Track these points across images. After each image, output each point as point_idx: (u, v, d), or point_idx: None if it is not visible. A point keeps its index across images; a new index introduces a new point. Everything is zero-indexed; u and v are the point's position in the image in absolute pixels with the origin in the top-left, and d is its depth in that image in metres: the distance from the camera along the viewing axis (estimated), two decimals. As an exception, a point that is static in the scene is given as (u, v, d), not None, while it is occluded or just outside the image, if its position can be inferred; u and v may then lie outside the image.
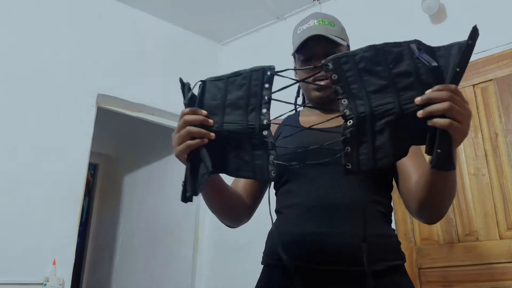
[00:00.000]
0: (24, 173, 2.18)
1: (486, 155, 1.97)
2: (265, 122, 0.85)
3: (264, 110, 0.86)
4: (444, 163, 0.76)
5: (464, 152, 2.03)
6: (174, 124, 2.94)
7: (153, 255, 3.12)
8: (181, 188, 0.87)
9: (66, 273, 2.19)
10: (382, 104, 0.78)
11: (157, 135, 3.32)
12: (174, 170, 3.20)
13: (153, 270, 3.09)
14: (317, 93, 1.11)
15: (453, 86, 0.73)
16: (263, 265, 1.06)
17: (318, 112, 1.16)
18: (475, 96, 2.06)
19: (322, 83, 1.09)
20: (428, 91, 0.74)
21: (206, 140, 0.84)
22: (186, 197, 0.87)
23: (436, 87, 0.73)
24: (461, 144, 2.16)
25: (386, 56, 0.79)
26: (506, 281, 1.79)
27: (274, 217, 1.05)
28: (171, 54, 2.98)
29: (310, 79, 1.09)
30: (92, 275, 3.73)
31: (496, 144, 1.96)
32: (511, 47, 2.01)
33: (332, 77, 0.81)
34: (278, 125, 1.18)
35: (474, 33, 0.73)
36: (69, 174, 2.32)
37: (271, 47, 2.95)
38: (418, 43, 0.79)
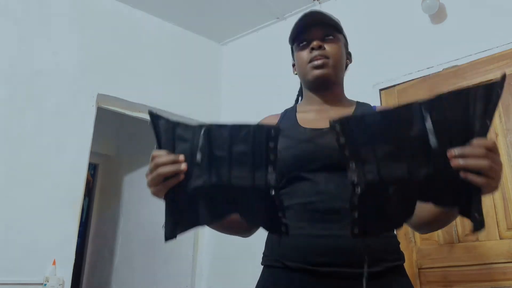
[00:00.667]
0: (24, 173, 2.18)
1: (486, 155, 1.97)
2: (272, 182, 0.84)
3: (270, 169, 0.85)
4: (481, 224, 0.74)
5: (464, 152, 2.03)
6: (174, 124, 2.94)
7: (153, 255, 3.12)
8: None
9: (66, 273, 2.19)
10: (392, 171, 0.76)
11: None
12: (174, 170, 3.20)
13: (153, 270, 3.09)
14: (315, 72, 1.10)
15: (490, 143, 0.72)
16: (263, 266, 1.06)
17: (316, 107, 1.15)
18: (475, 96, 2.06)
19: (319, 62, 1.09)
20: (464, 148, 0.72)
21: (181, 177, 0.83)
22: (167, 238, 0.87)
23: (475, 143, 0.72)
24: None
25: (396, 120, 0.76)
26: (506, 281, 1.79)
27: None
28: (171, 54, 2.98)
29: (308, 59, 1.10)
30: (92, 275, 3.73)
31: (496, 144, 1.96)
32: (511, 47, 2.01)
33: (340, 140, 0.78)
34: (276, 121, 1.16)
35: (503, 81, 0.70)
36: (69, 174, 2.32)
37: (271, 47, 2.96)
38: (430, 103, 0.73)
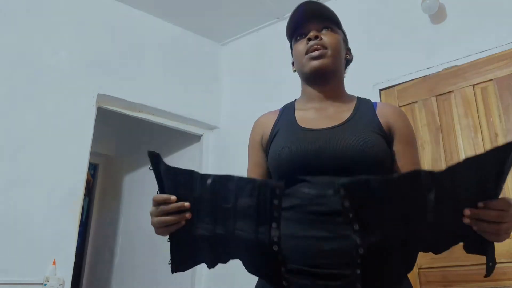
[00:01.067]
0: (24, 173, 2.18)
1: (486, 155, 1.97)
2: (275, 239, 0.86)
3: (273, 225, 0.87)
4: (493, 270, 0.83)
5: (464, 152, 2.03)
6: (174, 124, 2.95)
7: (153, 255, 3.11)
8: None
9: (66, 273, 2.19)
10: (393, 235, 0.79)
11: (157, 135, 3.32)
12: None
13: (153, 270, 3.08)
14: (312, 63, 1.07)
15: (504, 204, 0.77)
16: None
17: (315, 104, 1.12)
18: (475, 96, 2.06)
19: (316, 53, 1.07)
20: (478, 209, 0.77)
21: (183, 223, 0.88)
22: (174, 271, 0.93)
23: (490, 205, 0.77)
24: (461, 145, 2.15)
25: (401, 188, 0.78)
26: (506, 281, 1.79)
27: None
28: (171, 54, 2.98)
29: (305, 50, 1.08)
30: (92, 275, 3.73)
31: (496, 144, 1.95)
32: (511, 47, 2.01)
33: (344, 203, 0.80)
34: (275, 119, 1.14)
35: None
36: (69, 174, 2.32)
37: (271, 47, 2.95)
38: (432, 175, 0.75)
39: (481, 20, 2.13)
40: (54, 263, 2.15)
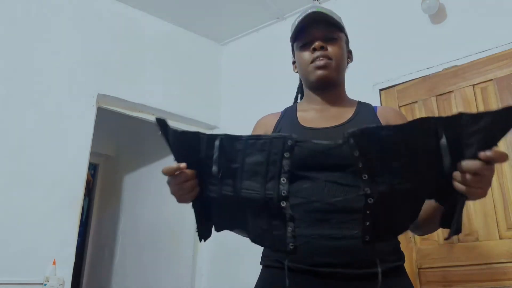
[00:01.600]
0: (24, 173, 2.18)
1: (486, 155, 1.97)
2: (283, 193, 0.85)
3: (283, 180, 0.86)
4: (457, 231, 0.79)
5: (464, 152, 2.03)
6: (174, 124, 2.95)
7: (153, 255, 3.12)
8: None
9: (66, 273, 2.19)
10: (403, 183, 0.79)
11: (157, 135, 3.31)
12: (174, 170, 3.20)
13: (153, 270, 3.09)
14: (317, 73, 1.10)
15: (488, 155, 0.73)
16: (262, 266, 1.06)
17: (316, 106, 1.15)
18: (475, 96, 2.06)
19: (321, 63, 1.09)
20: (467, 161, 0.74)
21: (197, 190, 0.90)
22: (200, 238, 0.92)
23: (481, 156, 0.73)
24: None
25: (410, 135, 0.77)
26: (506, 281, 1.79)
27: None
28: (171, 54, 2.98)
29: (310, 60, 1.10)
30: (92, 275, 3.73)
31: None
32: (511, 47, 2.01)
33: (354, 153, 0.81)
34: (277, 120, 1.16)
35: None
36: (69, 174, 2.32)
37: (271, 47, 2.96)
38: (447, 121, 0.75)
39: (481, 20, 2.13)
40: (54, 263, 2.15)
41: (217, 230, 0.95)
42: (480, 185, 0.76)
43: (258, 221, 0.89)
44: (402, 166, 0.79)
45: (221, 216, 0.92)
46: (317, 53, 1.09)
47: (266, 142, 0.85)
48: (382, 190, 0.80)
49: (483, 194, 0.78)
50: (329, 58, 1.09)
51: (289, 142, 0.86)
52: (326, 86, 1.13)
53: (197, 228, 0.91)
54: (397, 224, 0.87)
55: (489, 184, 0.77)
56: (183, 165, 0.86)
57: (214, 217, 0.92)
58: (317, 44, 1.09)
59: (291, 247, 0.87)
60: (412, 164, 0.78)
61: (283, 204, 0.86)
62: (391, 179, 0.79)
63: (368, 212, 0.83)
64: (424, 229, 1.06)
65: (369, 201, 0.82)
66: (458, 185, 0.76)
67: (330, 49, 1.10)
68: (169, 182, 0.91)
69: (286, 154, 0.86)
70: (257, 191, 0.85)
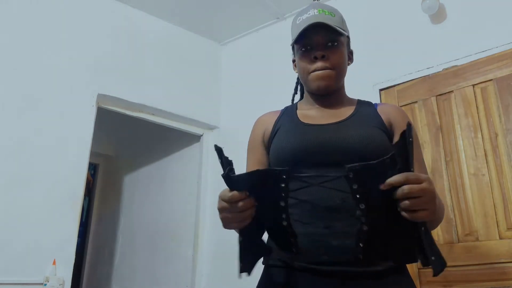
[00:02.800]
0: (24, 173, 2.18)
1: (486, 155, 1.97)
2: (284, 222, 0.93)
3: (282, 204, 0.91)
4: (441, 264, 0.80)
5: (464, 152, 2.03)
6: (174, 124, 2.95)
7: (153, 255, 3.12)
8: None
9: (66, 273, 2.19)
10: (397, 213, 0.81)
11: (157, 135, 3.32)
12: (174, 170, 3.20)
13: (153, 270, 3.09)
14: (318, 83, 1.09)
15: (401, 178, 0.78)
16: (264, 265, 1.06)
17: (317, 106, 1.15)
18: (475, 96, 2.06)
19: (322, 73, 1.08)
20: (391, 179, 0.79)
21: (248, 221, 0.88)
22: (241, 272, 0.91)
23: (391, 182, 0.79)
24: (461, 145, 2.15)
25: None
26: (506, 281, 1.79)
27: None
28: (171, 54, 2.98)
29: (311, 69, 1.09)
30: (92, 275, 3.73)
31: (496, 144, 1.96)
32: (511, 47, 2.01)
33: (353, 186, 0.84)
34: (276, 117, 1.16)
35: (410, 129, 0.78)
36: (69, 174, 2.32)
37: (271, 47, 2.95)
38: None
39: (481, 20, 2.13)
40: (54, 263, 2.15)
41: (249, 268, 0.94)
42: (418, 207, 0.78)
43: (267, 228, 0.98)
44: (395, 200, 0.81)
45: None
46: (318, 64, 1.07)
47: (259, 177, 0.88)
48: (378, 220, 0.86)
49: (426, 215, 0.79)
50: (330, 68, 1.08)
51: (284, 176, 0.89)
52: (326, 94, 1.13)
53: (240, 259, 0.90)
54: (389, 249, 0.90)
55: (428, 204, 0.78)
56: (246, 193, 0.86)
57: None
58: (318, 53, 1.07)
59: (294, 250, 0.94)
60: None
61: (284, 223, 0.93)
62: (386, 212, 0.84)
63: (362, 237, 0.88)
64: None
65: (363, 228, 0.87)
66: (403, 213, 0.79)
67: (331, 57, 1.08)
68: (224, 208, 0.87)
69: (282, 185, 0.90)
70: (269, 217, 0.94)
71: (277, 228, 0.93)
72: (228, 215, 0.86)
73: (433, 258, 0.79)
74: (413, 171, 0.80)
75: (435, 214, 0.82)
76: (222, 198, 0.86)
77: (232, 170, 0.85)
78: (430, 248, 0.80)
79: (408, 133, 0.78)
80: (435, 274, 0.79)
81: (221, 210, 0.87)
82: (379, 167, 0.81)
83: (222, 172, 0.88)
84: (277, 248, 0.99)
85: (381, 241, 0.88)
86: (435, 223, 0.98)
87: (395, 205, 0.81)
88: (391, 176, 0.79)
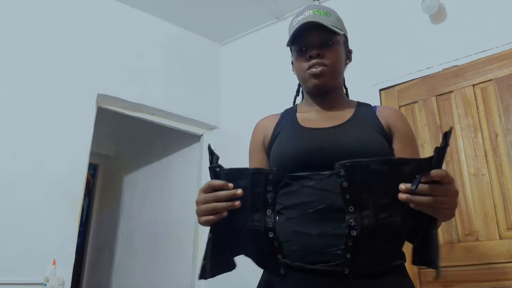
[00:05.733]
0: (24, 173, 2.18)
1: (486, 155, 1.97)
2: (270, 225, 0.90)
3: (268, 212, 0.90)
4: (437, 265, 0.80)
5: (464, 152, 2.03)
6: (174, 124, 2.95)
7: (153, 255, 3.12)
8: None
9: (66, 273, 2.19)
10: (387, 217, 0.82)
11: (157, 135, 3.32)
12: (174, 170, 3.20)
13: (153, 270, 3.09)
14: (313, 81, 1.10)
15: (437, 174, 0.79)
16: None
17: (316, 108, 1.15)
18: (475, 96, 2.06)
19: (317, 70, 1.08)
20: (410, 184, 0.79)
21: (225, 214, 0.88)
22: (203, 276, 0.90)
23: (420, 178, 0.79)
24: (461, 145, 2.15)
25: (396, 170, 0.81)
26: (506, 281, 1.79)
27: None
28: (171, 54, 2.98)
29: (306, 67, 1.10)
30: (92, 275, 3.73)
31: (496, 144, 1.96)
32: (511, 47, 2.01)
33: (343, 184, 0.84)
34: (276, 121, 1.16)
35: (449, 135, 0.78)
36: (69, 174, 2.32)
37: (271, 47, 2.95)
38: (427, 162, 0.81)
39: (481, 20, 2.13)
40: (54, 263, 2.15)
41: (213, 273, 0.93)
42: (444, 205, 0.79)
43: (252, 247, 0.94)
44: (387, 203, 0.82)
45: (232, 249, 0.94)
46: (313, 61, 1.08)
47: (248, 177, 0.89)
48: (366, 224, 0.83)
49: (449, 214, 0.82)
50: (325, 65, 1.08)
51: (271, 176, 0.90)
52: (323, 92, 1.13)
53: (205, 260, 0.89)
54: (379, 258, 0.89)
55: (451, 204, 0.81)
56: (231, 184, 0.88)
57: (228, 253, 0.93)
58: (313, 52, 1.08)
59: (282, 272, 0.92)
60: (397, 202, 0.81)
61: (271, 235, 0.91)
62: (376, 213, 0.83)
63: (350, 244, 0.86)
64: None
65: (352, 233, 0.85)
66: (425, 208, 0.80)
67: (327, 55, 1.09)
68: (202, 199, 0.89)
69: (269, 187, 0.90)
70: (246, 222, 0.90)
71: (259, 233, 0.91)
72: (208, 204, 0.88)
73: (435, 260, 0.80)
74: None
75: (452, 215, 0.84)
76: (203, 189, 0.89)
77: (219, 166, 0.87)
78: (437, 250, 0.80)
79: (448, 137, 0.78)
80: (438, 275, 0.80)
81: (199, 202, 0.90)
82: (372, 165, 0.81)
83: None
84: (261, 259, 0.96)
85: (370, 244, 0.87)
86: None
87: (389, 210, 0.81)
88: (392, 178, 0.80)
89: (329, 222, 0.92)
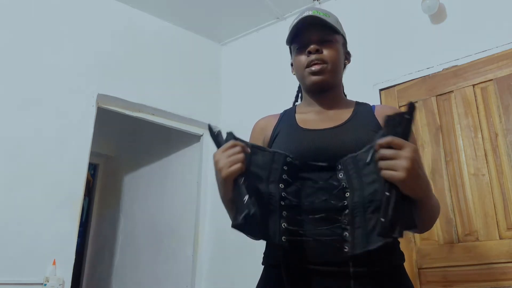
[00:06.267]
0: (24, 173, 2.18)
1: (486, 155, 1.97)
2: (283, 194, 0.96)
3: (281, 186, 0.96)
4: (386, 232, 0.82)
5: (464, 152, 2.03)
6: (174, 124, 2.95)
7: (153, 255, 3.12)
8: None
9: (66, 273, 2.19)
10: (371, 192, 0.89)
11: (157, 135, 3.32)
12: (174, 170, 3.20)
13: (153, 269, 3.09)
14: (313, 78, 1.10)
15: (383, 141, 0.84)
16: (263, 266, 1.06)
17: (314, 108, 1.15)
18: (475, 96, 2.06)
19: (317, 67, 1.08)
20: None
21: (244, 167, 0.91)
22: (237, 224, 0.90)
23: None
24: (461, 145, 2.15)
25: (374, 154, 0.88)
26: (506, 281, 1.79)
27: None
28: (171, 54, 2.98)
29: (305, 64, 1.10)
30: (92, 275, 3.73)
31: (496, 144, 1.96)
32: (511, 47, 2.01)
33: (339, 175, 0.95)
34: (275, 122, 1.17)
35: (412, 109, 0.84)
36: (69, 174, 2.32)
37: (271, 47, 2.95)
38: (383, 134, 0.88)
39: (481, 20, 2.13)
40: (54, 263, 2.15)
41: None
42: (393, 167, 0.82)
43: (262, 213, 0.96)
44: (373, 180, 0.89)
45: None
46: (312, 57, 1.09)
47: (268, 154, 0.99)
48: (355, 201, 0.91)
49: (399, 176, 0.81)
50: (324, 61, 1.09)
51: (288, 159, 0.98)
52: (322, 89, 1.13)
53: (239, 207, 0.89)
54: (372, 236, 0.89)
55: (399, 166, 0.81)
56: (240, 143, 0.94)
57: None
58: (312, 47, 1.09)
59: (284, 240, 0.93)
60: (379, 177, 0.86)
61: (282, 203, 0.95)
62: (364, 191, 0.91)
63: (345, 223, 0.91)
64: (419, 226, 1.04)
65: (345, 212, 0.92)
66: (384, 174, 0.83)
67: (326, 52, 1.09)
68: (218, 160, 0.92)
69: (285, 167, 0.97)
70: (262, 189, 0.96)
71: (273, 199, 0.95)
72: (224, 160, 0.91)
73: (382, 219, 0.81)
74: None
75: (420, 180, 0.83)
76: (216, 153, 0.94)
77: (241, 140, 0.96)
78: (387, 213, 0.81)
79: (409, 111, 0.84)
80: (377, 234, 0.83)
81: (216, 162, 0.92)
82: (363, 156, 0.89)
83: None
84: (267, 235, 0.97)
85: (364, 229, 0.90)
86: (428, 219, 0.96)
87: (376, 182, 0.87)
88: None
89: (329, 222, 0.93)
